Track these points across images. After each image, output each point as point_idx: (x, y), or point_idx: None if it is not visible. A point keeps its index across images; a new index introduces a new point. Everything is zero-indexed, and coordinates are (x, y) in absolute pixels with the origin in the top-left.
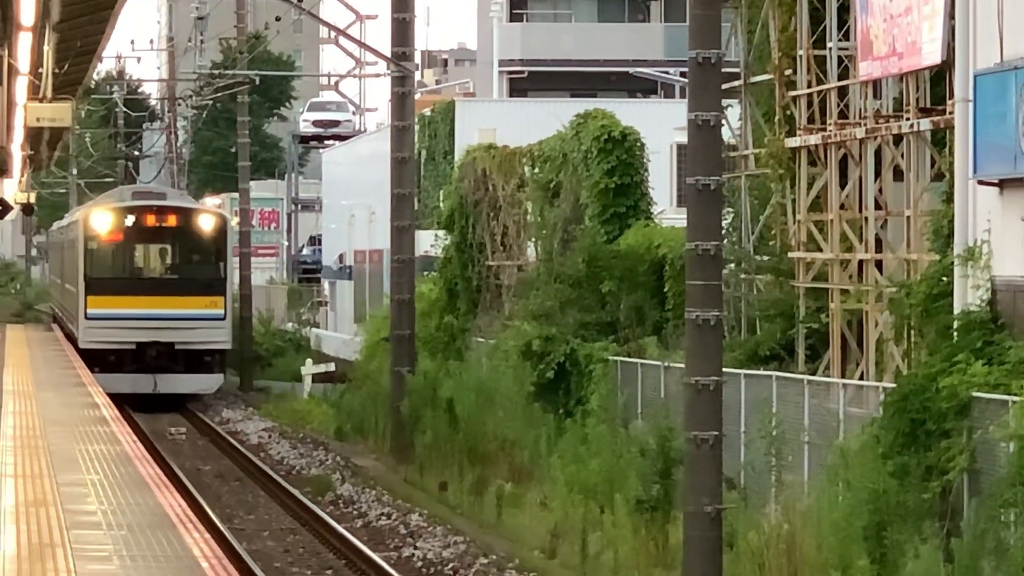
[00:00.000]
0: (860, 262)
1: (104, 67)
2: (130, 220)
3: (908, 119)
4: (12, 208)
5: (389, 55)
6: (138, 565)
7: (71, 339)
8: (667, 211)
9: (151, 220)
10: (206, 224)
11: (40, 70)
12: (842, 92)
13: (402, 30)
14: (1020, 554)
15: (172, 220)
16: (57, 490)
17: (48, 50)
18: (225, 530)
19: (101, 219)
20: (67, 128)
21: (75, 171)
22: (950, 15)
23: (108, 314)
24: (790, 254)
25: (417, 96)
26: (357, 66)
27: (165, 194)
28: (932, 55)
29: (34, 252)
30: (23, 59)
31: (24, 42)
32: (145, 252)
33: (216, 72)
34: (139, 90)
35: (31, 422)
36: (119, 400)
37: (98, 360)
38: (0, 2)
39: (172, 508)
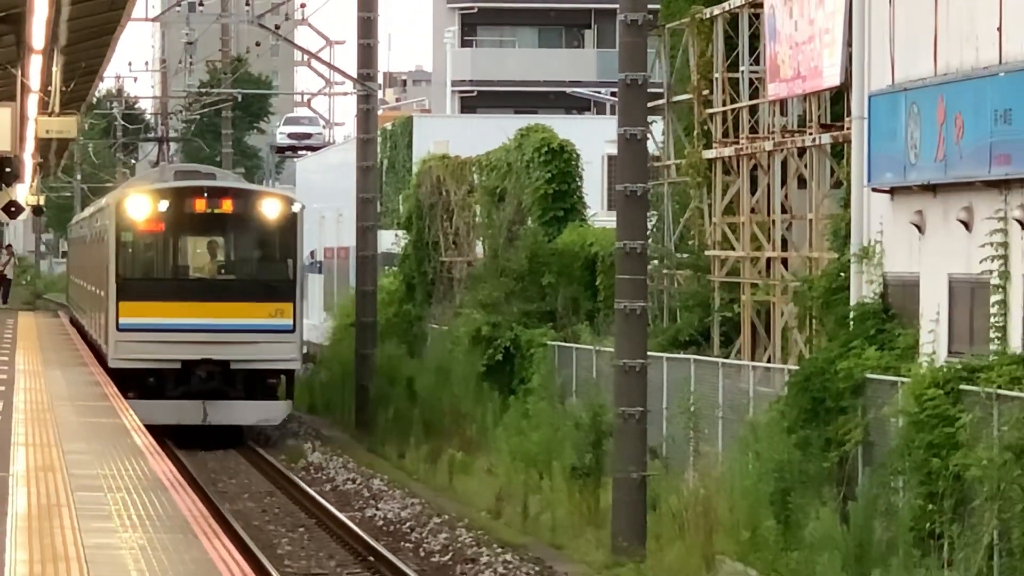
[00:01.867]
0: (768, 259)
1: (105, 85)
2: (174, 206)
3: (811, 134)
4: (24, 209)
5: (355, 76)
6: (135, 523)
7: (98, 355)
8: (599, 214)
9: (201, 205)
10: (271, 210)
11: (49, 88)
12: (753, 110)
13: (366, 54)
14: (907, 516)
15: (227, 205)
16: (63, 457)
17: (56, 70)
18: (210, 493)
19: (138, 204)
20: (72, 139)
21: (79, 177)
22: (847, 43)
23: (145, 324)
24: (707, 252)
25: (380, 112)
26: (327, 85)
27: (214, 174)
28: (832, 78)
29: (43, 248)
30: (34, 78)
31: (35, 63)
32: (193, 246)
33: (203, 90)
34: (135, 106)
35: (40, 397)
36: (158, 432)
37: (133, 383)
38: (14, 27)
39: (164, 473)
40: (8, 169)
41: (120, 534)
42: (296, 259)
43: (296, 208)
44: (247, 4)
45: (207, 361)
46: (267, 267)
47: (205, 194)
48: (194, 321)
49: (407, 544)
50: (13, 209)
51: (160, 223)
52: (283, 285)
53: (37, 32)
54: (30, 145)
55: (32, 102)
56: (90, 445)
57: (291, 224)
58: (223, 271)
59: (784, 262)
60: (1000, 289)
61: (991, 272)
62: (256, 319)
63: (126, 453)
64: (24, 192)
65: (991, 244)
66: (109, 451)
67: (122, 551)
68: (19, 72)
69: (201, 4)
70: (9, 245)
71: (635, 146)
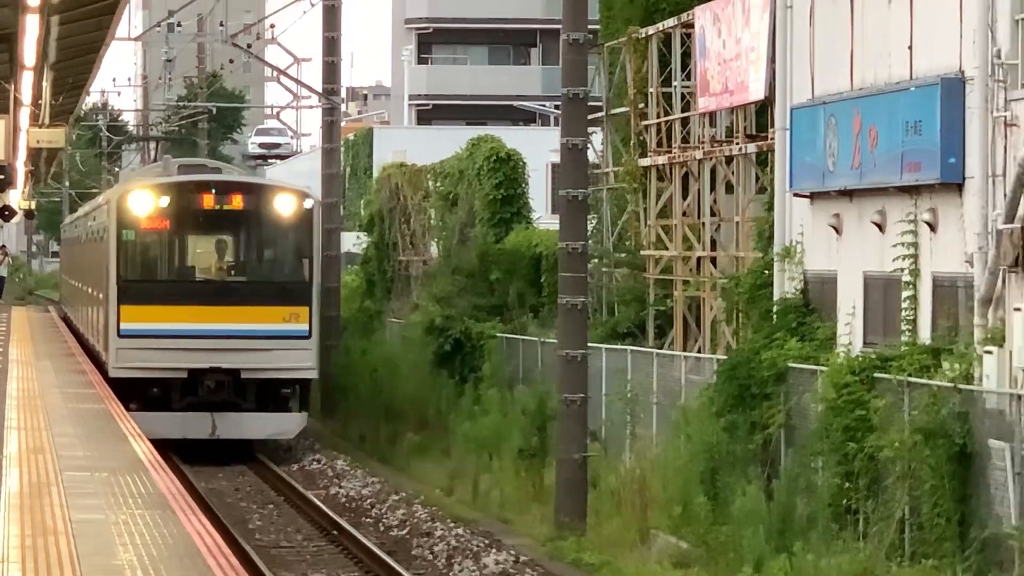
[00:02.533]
0: (698, 259)
1: (91, 99)
2: (180, 201)
3: (737, 144)
4: (17, 213)
5: (320, 91)
6: (118, 501)
7: (96, 362)
8: (543, 217)
9: (208, 201)
10: (285, 206)
11: (39, 101)
12: (684, 122)
13: (331, 71)
14: (826, 493)
15: (237, 201)
16: (52, 440)
17: (46, 85)
18: (187, 472)
19: (140, 200)
20: (61, 148)
21: (67, 183)
22: (771, 60)
23: (149, 330)
24: (642, 252)
25: (343, 124)
26: (295, 99)
27: (220, 168)
28: (757, 92)
29: (34, 248)
30: (26, 93)
31: (27, 79)
32: (200, 245)
33: (181, 104)
34: (119, 118)
35: (31, 385)
36: (162, 446)
37: (135, 393)
38: (8, 46)
39: (144, 455)
40: (2, 176)
41: (105, 511)
42: (312, 259)
43: (311, 204)
44: (221, 24)
45: (216, 370)
46: (280, 268)
47: (213, 189)
48: (201, 327)
49: (368, 519)
50: (7, 213)
51: (164, 220)
52: (298, 287)
53: (29, 50)
54: (22, 154)
55: (24, 115)
56: (76, 429)
57: (306, 221)
58: (233, 272)
59: (713, 261)
60: (910, 285)
61: (902, 270)
62: (269, 324)
63: (109, 437)
64: (17, 197)
65: (902, 244)
66: (94, 435)
67: (107, 526)
68: (12, 87)
69: (179, 25)
70: (3, 246)
71: (576, 155)
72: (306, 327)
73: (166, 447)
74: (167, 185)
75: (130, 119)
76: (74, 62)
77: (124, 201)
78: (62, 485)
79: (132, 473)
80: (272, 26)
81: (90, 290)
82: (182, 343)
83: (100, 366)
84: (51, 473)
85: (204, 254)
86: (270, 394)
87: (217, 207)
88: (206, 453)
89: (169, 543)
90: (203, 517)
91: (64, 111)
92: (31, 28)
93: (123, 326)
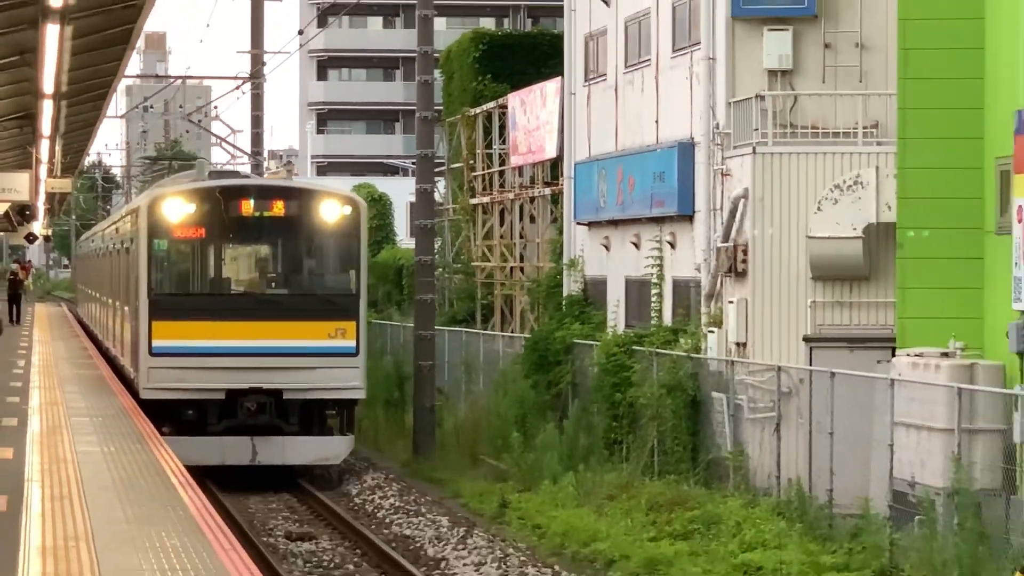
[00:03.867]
0: (511, 268)
1: (90, 158)
2: (216, 208)
3: (538, 188)
4: (38, 238)
5: (250, 152)
6: (110, 436)
7: (125, 381)
8: (404, 240)
9: (247, 208)
10: (330, 212)
11: (53, 160)
12: (501, 173)
13: (257, 139)
14: (600, 430)
15: (278, 207)
16: (63, 395)
17: (57, 149)
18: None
19: (174, 207)
20: (68, 193)
21: (73, 217)
22: (560, 131)
23: (183, 348)
24: (473, 263)
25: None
26: (232, 159)
27: (250, 177)
28: (550, 153)
29: (50, 262)
30: (43, 153)
31: (44, 145)
32: (239, 255)
33: (153, 160)
34: (110, 171)
35: (48, 358)
36: (198, 473)
37: (169, 416)
38: (30, 122)
39: (128, 406)
40: (27, 211)
41: (99, 445)
42: (360, 269)
43: (358, 209)
44: (180, 106)
45: (256, 390)
46: (326, 279)
47: (252, 194)
48: (240, 343)
49: None
50: (31, 237)
51: (199, 228)
52: (344, 300)
53: (45, 125)
54: (41, 197)
55: (42, 170)
56: (79, 388)
57: (353, 228)
58: (274, 284)
59: (522, 269)
60: (657, 285)
61: (652, 274)
62: (313, 341)
63: (102, 393)
64: (38, 226)
65: (651, 257)
66: (91, 392)
67: (101, 456)
68: (33, 150)
69: (151, 107)
70: (29, 260)
71: (426, 197)
72: (353, 343)
73: (200, 473)
74: (202, 190)
75: (117, 172)
76: (77, 132)
77: (156, 208)
78: (70, 428)
79: (118, 419)
80: (215, 107)
81: (117, 302)
82: (219, 361)
83: (129, 385)
84: (62, 418)
85: (242, 265)
86: (314, 416)
87: (256, 214)
88: (245, 479)
89: (141, 466)
90: (168, 448)
91: (70, 166)
92: (47, 110)
93: (155, 343)
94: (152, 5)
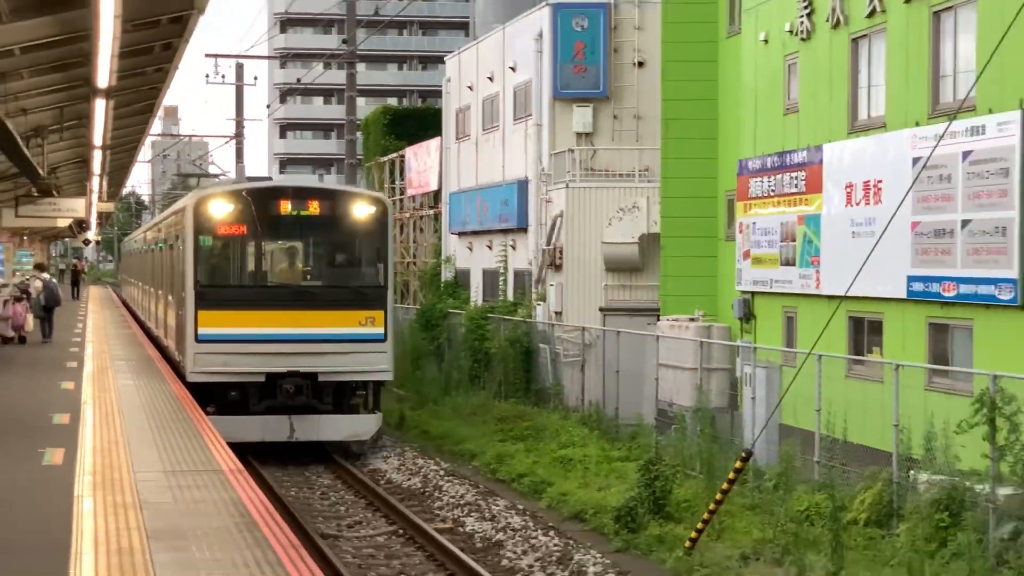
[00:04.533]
0: (408, 263)
1: (127, 189)
2: (257, 207)
3: (425, 210)
4: (91, 242)
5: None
6: (140, 376)
7: (173, 364)
8: None
9: (285, 207)
10: (360, 211)
11: (101, 190)
12: (402, 200)
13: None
14: (466, 368)
15: (314, 207)
16: (109, 347)
17: (103, 181)
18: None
19: (217, 206)
20: (112, 212)
21: (115, 227)
22: (440, 172)
23: (227, 335)
24: None
25: None
26: None
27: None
28: (433, 186)
29: (99, 258)
30: (95, 186)
31: (95, 180)
32: (278, 251)
33: (186, 176)
34: (140, 197)
35: (99, 322)
36: (239, 448)
37: (213, 397)
38: (84, 164)
39: (153, 355)
40: (84, 224)
41: (134, 380)
42: (387, 263)
43: (385, 208)
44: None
45: (294, 373)
46: (356, 273)
47: (288, 195)
48: (279, 331)
49: None
50: (87, 242)
51: (241, 226)
52: (373, 292)
53: (95, 167)
54: (93, 215)
55: (94, 197)
56: (119, 342)
57: (381, 226)
58: (309, 277)
59: (415, 263)
60: (504, 274)
61: (500, 267)
62: (345, 328)
63: (135, 345)
64: (91, 234)
65: (500, 255)
66: (128, 346)
67: (135, 388)
68: (88, 184)
69: (167, 155)
70: (86, 258)
71: None
72: (382, 331)
73: (241, 450)
74: (243, 191)
75: (145, 198)
76: (117, 172)
77: (201, 208)
78: (113, 369)
79: (147, 362)
80: (211, 156)
81: (162, 292)
82: (260, 347)
83: (176, 368)
84: (107, 361)
85: (280, 259)
86: (346, 396)
87: (294, 212)
88: (281, 453)
89: (162, 395)
90: (180, 384)
91: (112, 195)
92: (97, 157)
93: (201, 331)
94: (167, 87)
